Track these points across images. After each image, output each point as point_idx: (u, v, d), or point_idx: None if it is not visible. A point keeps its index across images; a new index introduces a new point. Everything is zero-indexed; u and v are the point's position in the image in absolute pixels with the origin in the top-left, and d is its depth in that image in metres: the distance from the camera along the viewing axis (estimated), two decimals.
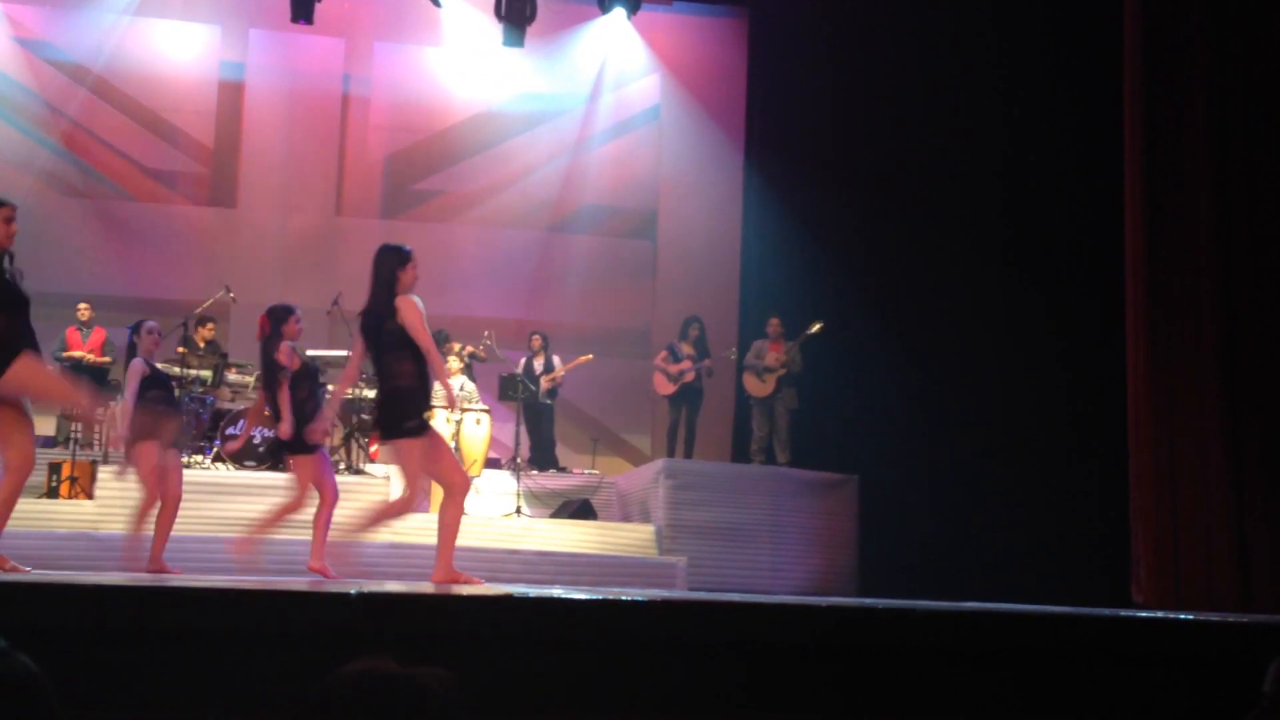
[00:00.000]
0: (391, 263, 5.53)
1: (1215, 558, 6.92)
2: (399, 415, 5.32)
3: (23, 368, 4.91)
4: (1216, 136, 7.22)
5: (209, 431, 8.81)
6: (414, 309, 5.40)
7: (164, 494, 6.43)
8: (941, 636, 3.65)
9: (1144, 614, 4.46)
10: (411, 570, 7.07)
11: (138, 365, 6.60)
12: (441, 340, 10.22)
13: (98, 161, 11.37)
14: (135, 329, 6.78)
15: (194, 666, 3.16)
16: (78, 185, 11.25)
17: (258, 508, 7.83)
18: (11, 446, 5.03)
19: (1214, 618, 4.35)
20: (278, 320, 6.57)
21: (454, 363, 9.73)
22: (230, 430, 8.74)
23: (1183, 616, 4.30)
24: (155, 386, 6.67)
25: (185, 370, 9.09)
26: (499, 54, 11.66)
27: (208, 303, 9.85)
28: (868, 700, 3.51)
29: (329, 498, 6.37)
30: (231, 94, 11.65)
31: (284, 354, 6.44)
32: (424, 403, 5.47)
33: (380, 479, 8.69)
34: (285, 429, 6.29)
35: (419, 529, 8.09)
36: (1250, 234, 7.12)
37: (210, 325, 9.89)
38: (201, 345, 9.67)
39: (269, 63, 11.70)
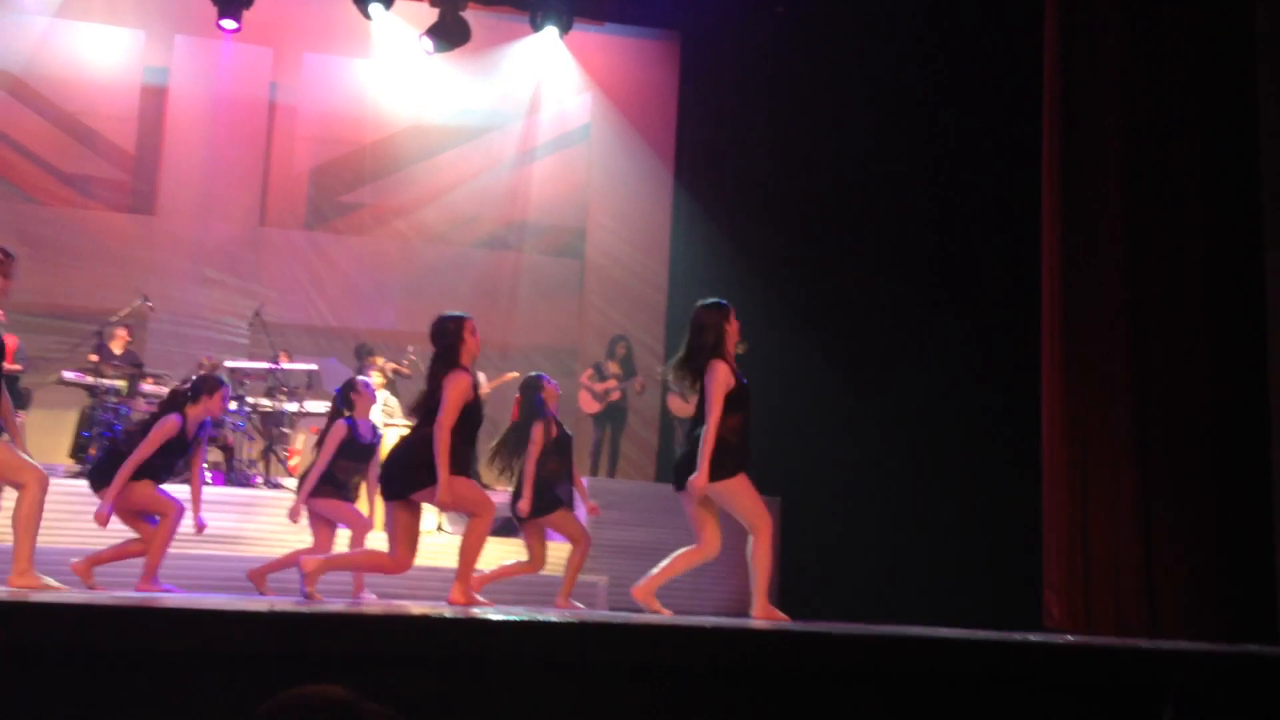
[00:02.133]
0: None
1: (1124, 583, 7.10)
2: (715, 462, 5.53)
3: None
4: (1129, 173, 7.45)
5: (124, 445, 8.59)
6: (720, 377, 5.48)
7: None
8: (857, 660, 3.69)
9: (1051, 639, 4.55)
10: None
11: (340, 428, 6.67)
12: (364, 354, 10.13)
13: (10, 166, 11.08)
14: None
15: (101, 686, 3.09)
16: None
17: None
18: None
19: (1120, 643, 4.46)
20: (532, 389, 6.73)
21: (377, 378, 9.64)
22: None
23: (1090, 641, 4.39)
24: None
25: (99, 380, 8.89)
26: (429, 69, 11.62)
27: (124, 311, 9.65)
28: None
29: (584, 545, 6.67)
30: (154, 99, 11.45)
31: (538, 430, 6.57)
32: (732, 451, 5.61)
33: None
34: (524, 506, 6.52)
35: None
36: (1160, 271, 7.35)
37: (125, 331, 9.68)
38: (118, 354, 9.47)
39: (194, 69, 11.52)
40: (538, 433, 6.55)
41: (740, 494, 5.67)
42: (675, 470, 5.84)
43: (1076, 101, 7.65)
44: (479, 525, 5.67)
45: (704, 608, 8.49)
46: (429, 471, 5.43)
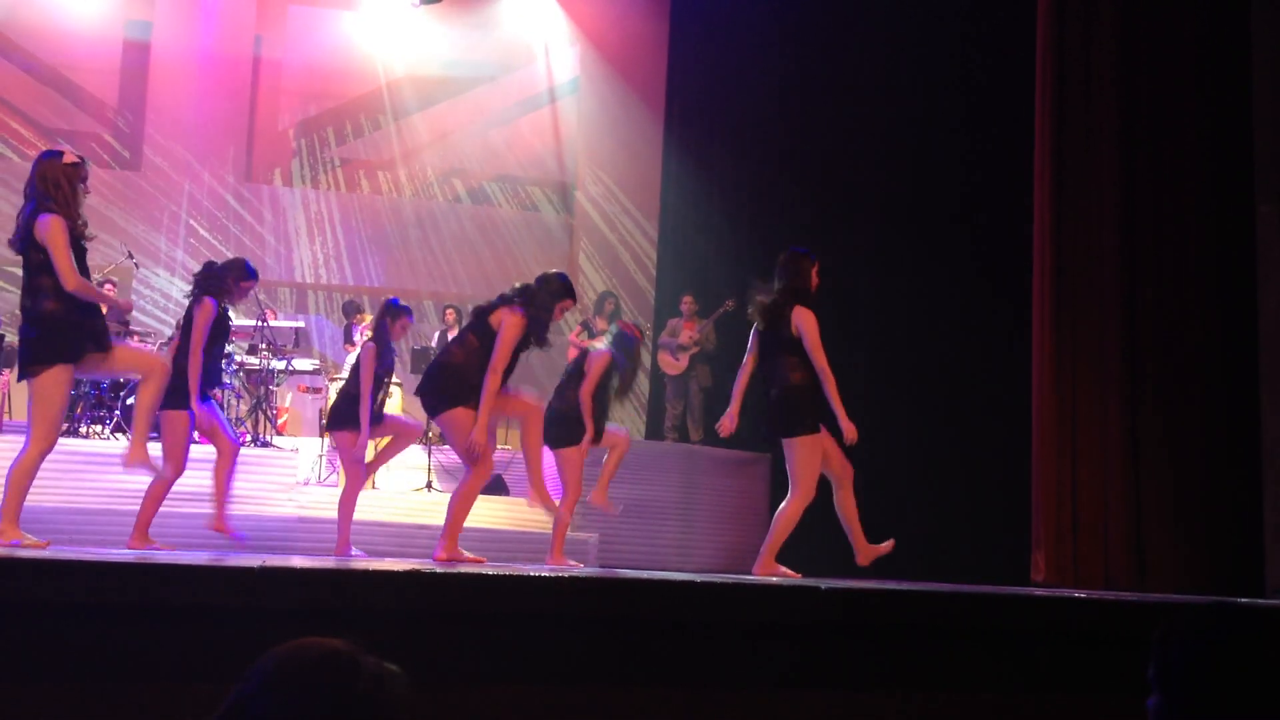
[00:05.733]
0: (801, 268, 5.68)
1: (1112, 539, 7.13)
2: (794, 415, 5.57)
3: None
4: (1124, 137, 7.42)
5: (108, 400, 8.55)
6: (813, 326, 5.58)
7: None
8: (843, 614, 3.71)
9: (1036, 593, 4.58)
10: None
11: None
12: (353, 311, 10.07)
13: None
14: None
15: (94, 641, 3.08)
16: None
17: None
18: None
19: (1102, 596, 4.48)
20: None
21: (368, 335, 9.59)
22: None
23: (1075, 595, 4.42)
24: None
25: None
26: (416, 21, 11.48)
27: (109, 268, 9.57)
28: (770, 674, 3.55)
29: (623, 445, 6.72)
30: (137, 53, 11.29)
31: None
32: (818, 403, 5.63)
33: (288, 451, 8.53)
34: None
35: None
36: (1153, 229, 7.34)
37: (111, 288, 9.58)
38: (104, 311, 9.38)
39: (177, 22, 11.37)
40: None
41: (809, 455, 5.64)
42: (769, 421, 5.73)
43: (1069, 88, 7.58)
44: (473, 484, 5.71)
45: (690, 566, 8.53)
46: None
